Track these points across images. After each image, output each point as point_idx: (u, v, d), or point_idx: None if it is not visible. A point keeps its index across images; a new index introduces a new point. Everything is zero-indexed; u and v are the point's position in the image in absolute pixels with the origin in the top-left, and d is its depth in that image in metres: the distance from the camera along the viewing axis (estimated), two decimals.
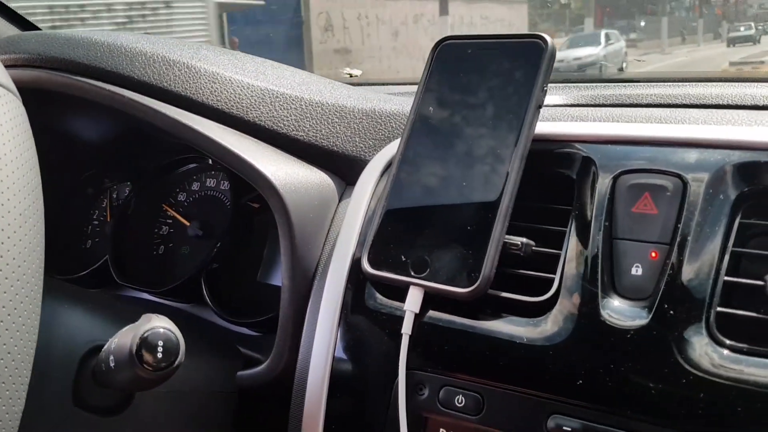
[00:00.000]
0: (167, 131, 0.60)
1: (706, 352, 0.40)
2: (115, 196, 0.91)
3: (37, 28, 0.87)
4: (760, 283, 0.41)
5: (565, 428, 0.43)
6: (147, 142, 0.85)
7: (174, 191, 0.86)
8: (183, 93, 0.61)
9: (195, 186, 0.85)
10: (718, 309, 0.42)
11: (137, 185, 0.85)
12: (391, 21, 9.81)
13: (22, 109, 0.39)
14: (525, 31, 0.83)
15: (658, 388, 0.41)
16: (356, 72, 1.17)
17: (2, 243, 0.33)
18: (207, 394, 0.59)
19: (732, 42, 11.06)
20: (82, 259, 0.88)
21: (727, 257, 0.43)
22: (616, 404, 0.42)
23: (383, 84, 1.04)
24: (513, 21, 11.74)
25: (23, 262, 0.34)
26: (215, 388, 0.60)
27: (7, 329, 0.33)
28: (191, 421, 0.57)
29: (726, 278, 0.42)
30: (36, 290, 0.36)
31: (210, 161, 0.82)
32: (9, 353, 0.33)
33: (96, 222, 0.92)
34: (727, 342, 0.40)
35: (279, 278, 0.75)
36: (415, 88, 0.87)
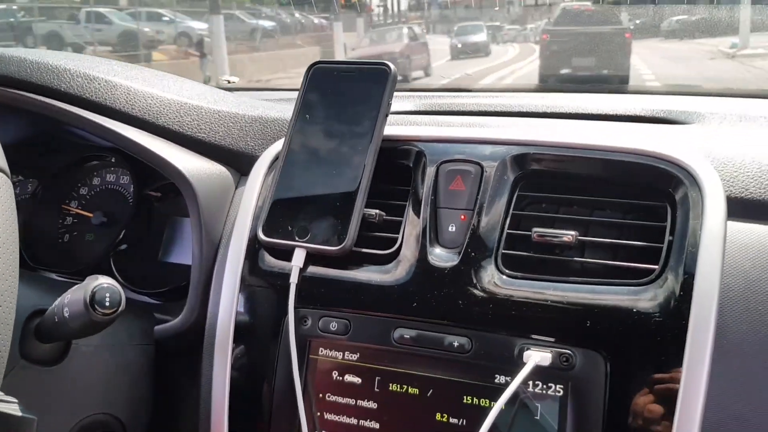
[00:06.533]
0: (94, 134, 0.73)
1: (493, 279, 0.60)
2: (17, 191, 1.00)
3: None
4: (529, 233, 0.62)
5: (405, 336, 0.62)
6: (51, 144, 0.95)
7: (76, 186, 0.97)
8: (102, 103, 0.74)
9: (96, 181, 0.97)
10: (503, 251, 0.62)
11: (42, 181, 0.96)
12: None
13: (10, 186, 0.51)
14: None
15: (464, 304, 0.60)
16: (234, 79, 1.31)
17: None
18: (129, 347, 0.72)
19: (459, 53, 8.80)
20: None
21: (509, 217, 0.64)
22: (437, 317, 0.61)
23: (258, 90, 1.21)
24: None
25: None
26: (136, 341, 0.73)
27: None
28: (117, 369, 0.70)
29: (507, 231, 0.63)
30: (15, 249, 0.49)
31: (113, 159, 0.94)
32: None
33: None
34: (507, 271, 0.61)
35: (178, 257, 0.89)
36: (286, 94, 1.04)
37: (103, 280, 0.58)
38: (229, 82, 1.31)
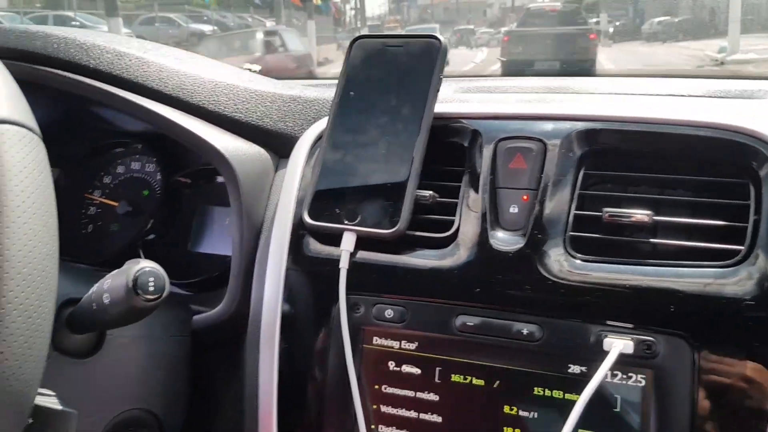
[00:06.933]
0: (125, 113, 0.69)
1: (562, 263, 0.57)
2: None
3: None
4: (599, 214, 0.58)
5: (468, 324, 0.58)
6: (73, 131, 0.91)
7: (100, 174, 0.93)
8: (134, 80, 0.70)
9: (120, 169, 0.93)
10: (570, 233, 0.58)
11: (65, 170, 0.92)
12: None
13: (44, 148, 0.47)
14: None
15: (531, 290, 0.57)
16: (255, 67, 1.27)
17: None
18: (165, 339, 0.69)
19: None
20: None
21: (576, 197, 0.60)
22: (502, 304, 0.57)
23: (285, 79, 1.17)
24: None
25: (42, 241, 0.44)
26: (171, 333, 0.70)
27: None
28: (153, 361, 0.67)
29: (575, 212, 0.59)
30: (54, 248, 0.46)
31: (138, 146, 0.90)
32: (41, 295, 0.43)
33: None
34: (577, 255, 0.57)
35: (209, 246, 0.85)
36: (319, 82, 1.00)
37: (146, 264, 0.54)
38: (251, 70, 1.26)
